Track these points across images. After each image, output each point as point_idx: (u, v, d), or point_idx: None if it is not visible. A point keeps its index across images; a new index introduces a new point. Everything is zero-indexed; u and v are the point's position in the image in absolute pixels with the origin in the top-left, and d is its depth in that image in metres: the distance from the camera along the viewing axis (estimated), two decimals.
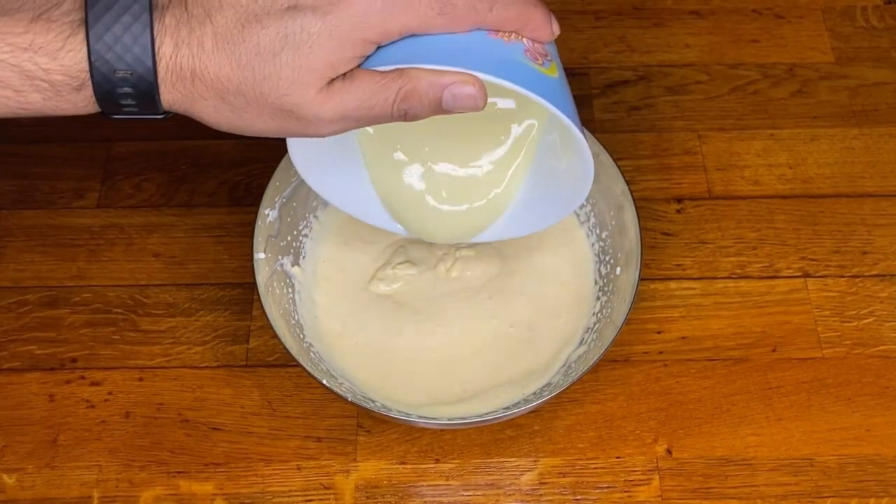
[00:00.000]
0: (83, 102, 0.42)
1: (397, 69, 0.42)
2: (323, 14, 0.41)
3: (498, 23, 0.44)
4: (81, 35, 0.40)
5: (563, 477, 0.58)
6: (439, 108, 0.43)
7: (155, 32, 0.41)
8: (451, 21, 0.43)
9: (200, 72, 0.41)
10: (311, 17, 0.41)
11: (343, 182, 0.57)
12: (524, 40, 0.45)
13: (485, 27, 0.44)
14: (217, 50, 0.41)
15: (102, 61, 0.40)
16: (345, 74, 0.42)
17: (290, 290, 0.61)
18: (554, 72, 0.46)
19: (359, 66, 0.43)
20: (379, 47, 0.43)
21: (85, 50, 0.40)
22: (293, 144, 0.51)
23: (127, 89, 0.41)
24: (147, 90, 0.41)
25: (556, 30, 0.46)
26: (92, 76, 0.41)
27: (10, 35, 0.40)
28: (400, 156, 0.57)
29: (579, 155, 0.48)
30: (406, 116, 0.43)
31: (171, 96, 0.42)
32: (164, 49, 0.41)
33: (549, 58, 0.47)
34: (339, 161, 0.56)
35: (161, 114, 0.43)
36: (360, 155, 0.57)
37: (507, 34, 0.45)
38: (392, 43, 0.43)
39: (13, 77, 0.41)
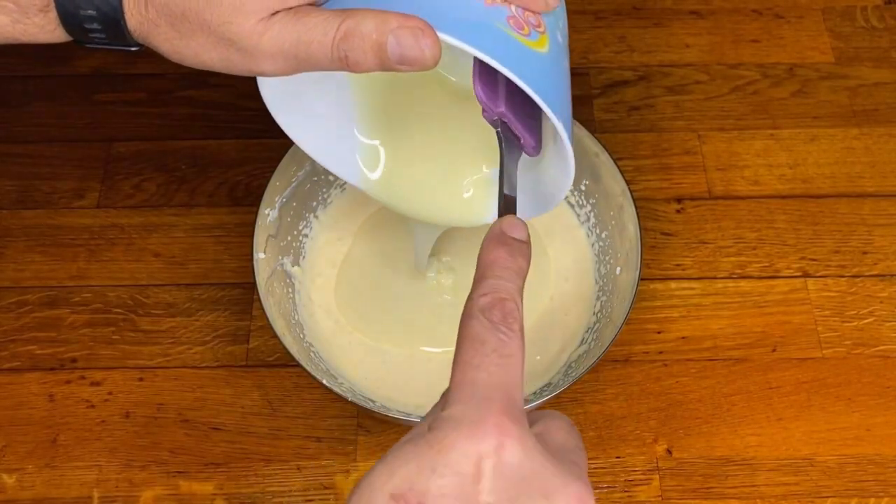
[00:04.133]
0: (50, 25, 0.41)
1: (346, 10, 0.39)
2: None
3: None
4: None
5: None
6: (384, 56, 0.39)
7: None
8: None
9: None
10: None
11: (322, 133, 0.52)
12: (511, 6, 0.40)
13: None
14: None
15: None
16: (292, 9, 0.40)
17: (290, 290, 0.61)
18: (542, 46, 0.41)
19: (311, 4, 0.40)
20: None
21: None
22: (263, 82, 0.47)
23: (91, 12, 0.40)
24: (111, 14, 0.40)
25: (553, 1, 0.42)
26: None
27: None
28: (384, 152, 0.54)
29: (559, 144, 0.42)
30: (347, 62, 0.40)
31: (132, 23, 0.41)
32: None
33: (540, 30, 0.41)
34: (321, 111, 0.52)
35: (134, 46, 0.42)
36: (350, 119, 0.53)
37: None
38: None
39: None
